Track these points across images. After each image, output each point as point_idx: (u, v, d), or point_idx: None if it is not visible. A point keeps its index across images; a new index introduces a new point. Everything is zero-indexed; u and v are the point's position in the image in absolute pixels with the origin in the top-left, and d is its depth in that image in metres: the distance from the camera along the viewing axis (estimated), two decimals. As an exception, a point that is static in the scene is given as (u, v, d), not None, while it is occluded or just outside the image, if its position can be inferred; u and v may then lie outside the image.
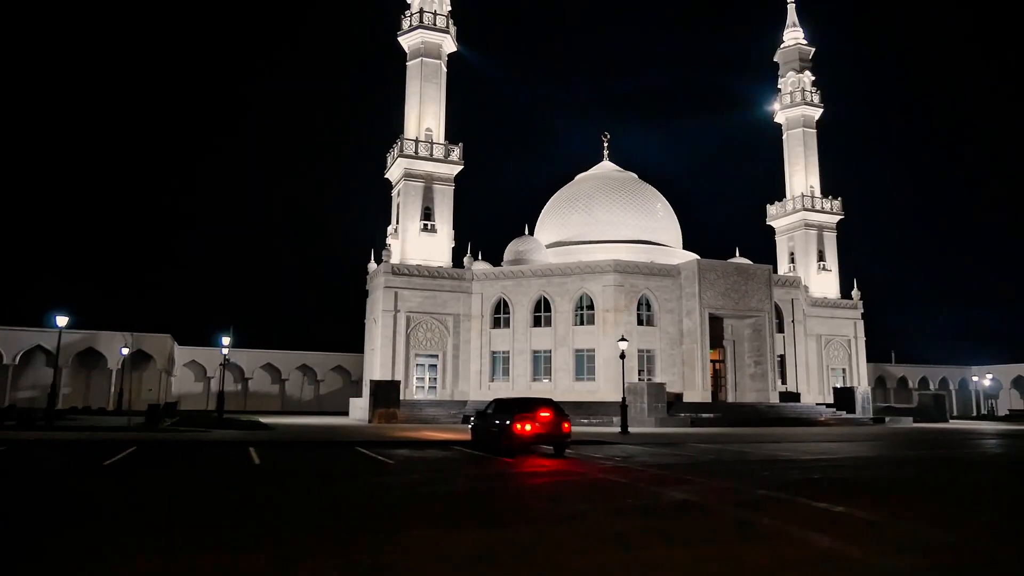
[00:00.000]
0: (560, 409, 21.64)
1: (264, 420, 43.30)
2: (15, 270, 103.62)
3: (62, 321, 29.67)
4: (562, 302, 51.45)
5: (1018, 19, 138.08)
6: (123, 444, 21.34)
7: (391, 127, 59.22)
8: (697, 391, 48.86)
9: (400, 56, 59.02)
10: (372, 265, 57.34)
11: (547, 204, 67.10)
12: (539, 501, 12.17)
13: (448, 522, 9.75)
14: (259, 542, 8.03)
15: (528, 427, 20.70)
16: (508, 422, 20.85)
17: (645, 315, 51.19)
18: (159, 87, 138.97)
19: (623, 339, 35.20)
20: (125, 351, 45.24)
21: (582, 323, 51.12)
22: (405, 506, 11.32)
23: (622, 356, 34.62)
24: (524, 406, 21.50)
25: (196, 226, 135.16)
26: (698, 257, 62.07)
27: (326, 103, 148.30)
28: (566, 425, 21.27)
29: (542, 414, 20.94)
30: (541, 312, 52.19)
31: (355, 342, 77.66)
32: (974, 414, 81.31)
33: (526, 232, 62.48)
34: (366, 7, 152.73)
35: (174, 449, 21.36)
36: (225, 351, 40.49)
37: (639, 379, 48.92)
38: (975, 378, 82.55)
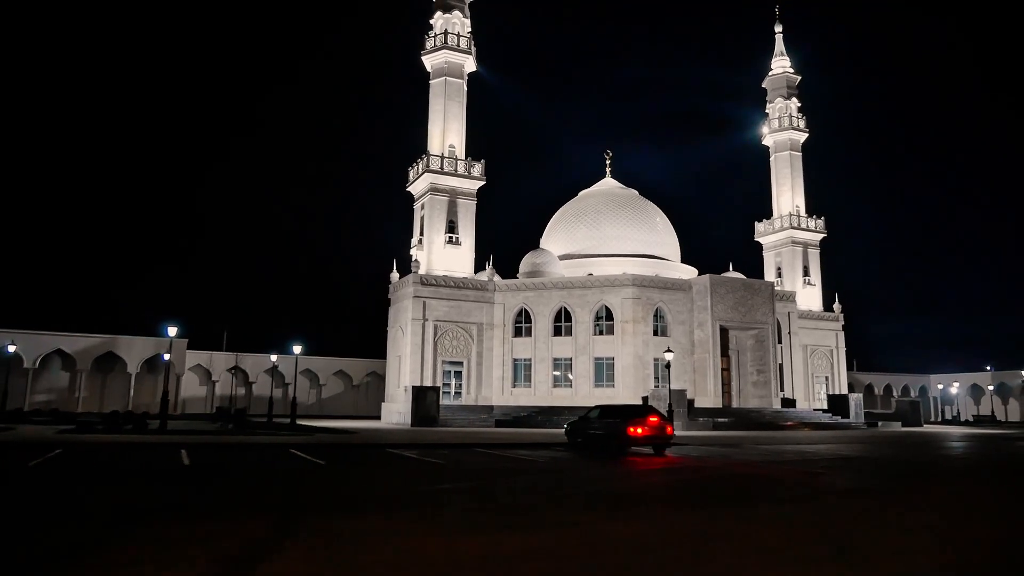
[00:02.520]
0: (664, 415, 24.75)
1: (306, 424, 45.18)
2: (34, 274, 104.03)
3: (173, 331, 31.34)
4: (582, 313, 54.63)
5: (983, 50, 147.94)
6: (280, 447, 23.56)
7: (403, 141, 62.11)
8: (709, 397, 52.62)
9: (415, 74, 61.85)
10: (394, 275, 59.57)
11: (553, 217, 70.31)
12: (748, 488, 15.15)
13: (730, 502, 12.71)
14: (632, 514, 10.85)
15: (640, 430, 23.75)
16: (622, 425, 23.85)
17: (659, 326, 54.75)
18: (182, 99, 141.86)
19: (669, 350, 38.61)
20: (167, 356, 46.28)
21: (601, 333, 54.40)
22: (660, 491, 14.20)
23: (667, 366, 38.01)
24: (634, 412, 24.56)
25: (204, 233, 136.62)
26: (696, 271, 66.29)
27: (341, 117, 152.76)
28: (670, 428, 24.41)
29: (651, 419, 23.99)
30: (562, 322, 55.27)
31: (357, 347, 79.83)
32: (935, 419, 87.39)
33: (540, 244, 65.80)
34: (378, 28, 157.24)
35: (351, 452, 23.67)
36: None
37: (655, 386, 52.46)
38: (940, 386, 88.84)
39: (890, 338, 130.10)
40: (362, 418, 65.53)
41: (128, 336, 60.62)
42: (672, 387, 52.21)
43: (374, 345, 78.34)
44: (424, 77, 61.38)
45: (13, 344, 44.17)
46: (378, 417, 65.14)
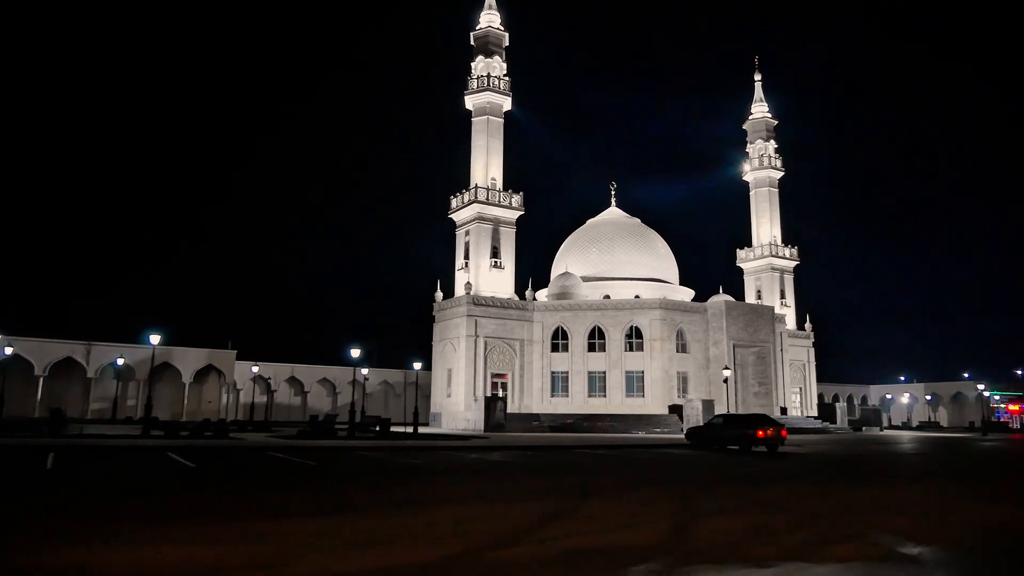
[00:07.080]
0: (779, 423, 32.14)
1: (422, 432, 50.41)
2: (81, 287, 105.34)
3: (356, 352, 36.53)
4: (614, 331, 61.97)
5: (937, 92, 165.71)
6: (517, 447, 29.66)
7: (424, 171, 68.48)
8: (723, 407, 60.61)
9: (426, 108, 67.99)
10: (438, 295, 65.37)
11: (566, 241, 77.63)
12: (890, 475, 22.49)
13: (910, 480, 20.00)
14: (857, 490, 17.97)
15: (762, 434, 31.07)
16: (750, 430, 31.08)
17: (680, 344, 62.68)
18: (228, 129, 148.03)
19: (726, 367, 46.25)
20: (255, 369, 49.72)
21: (631, 349, 61.88)
22: (817, 474, 21.36)
23: (725, 381, 45.60)
24: (759, 420, 31.88)
25: (221, 249, 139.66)
26: (693, 292, 74.92)
27: (372, 148, 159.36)
28: (784, 432, 31.79)
29: (771, 426, 31.33)
30: (595, 339, 62.45)
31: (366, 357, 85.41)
32: (885, 425, 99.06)
33: (553, 266, 73.01)
34: (392, 69, 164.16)
35: (557, 453, 29.89)
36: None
37: (678, 396, 60.36)
38: (888, 395, 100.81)
39: (835, 350, 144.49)
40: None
41: (182, 347, 63.95)
42: (690, 397, 60.31)
43: (381, 355, 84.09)
44: (458, 115, 67.82)
45: (122, 358, 47.62)
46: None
